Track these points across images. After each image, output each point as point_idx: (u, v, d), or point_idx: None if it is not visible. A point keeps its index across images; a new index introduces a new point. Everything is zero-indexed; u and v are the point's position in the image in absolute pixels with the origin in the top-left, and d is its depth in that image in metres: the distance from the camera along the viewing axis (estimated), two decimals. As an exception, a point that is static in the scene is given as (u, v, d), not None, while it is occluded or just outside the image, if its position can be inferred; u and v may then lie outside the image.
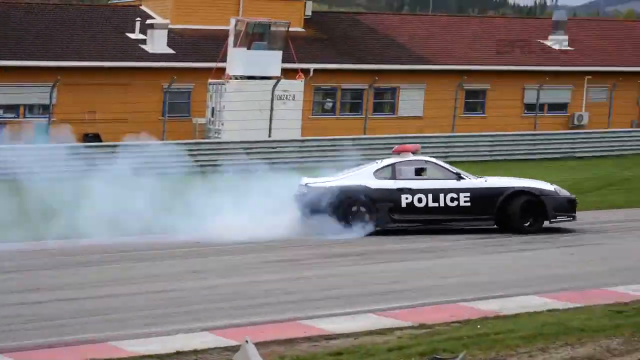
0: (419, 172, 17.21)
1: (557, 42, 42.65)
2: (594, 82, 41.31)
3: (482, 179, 17.21)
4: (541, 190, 16.86)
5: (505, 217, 16.73)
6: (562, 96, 41.17)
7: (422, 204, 16.77)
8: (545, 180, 17.88)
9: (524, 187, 16.96)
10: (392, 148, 18.46)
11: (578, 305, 10.26)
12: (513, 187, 16.87)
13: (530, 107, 40.16)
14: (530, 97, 40.08)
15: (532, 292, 11.12)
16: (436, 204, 16.77)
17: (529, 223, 16.69)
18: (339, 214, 16.62)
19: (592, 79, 41.32)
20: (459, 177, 16.97)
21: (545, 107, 40.81)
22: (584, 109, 41.17)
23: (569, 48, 42.61)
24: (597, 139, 35.48)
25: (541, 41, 42.95)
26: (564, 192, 17.11)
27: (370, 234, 16.41)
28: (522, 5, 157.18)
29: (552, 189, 16.97)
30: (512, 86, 40.04)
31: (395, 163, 17.18)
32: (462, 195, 16.75)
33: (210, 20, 37.22)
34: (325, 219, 16.52)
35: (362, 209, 16.73)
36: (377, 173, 17.06)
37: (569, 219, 16.92)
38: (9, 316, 10.13)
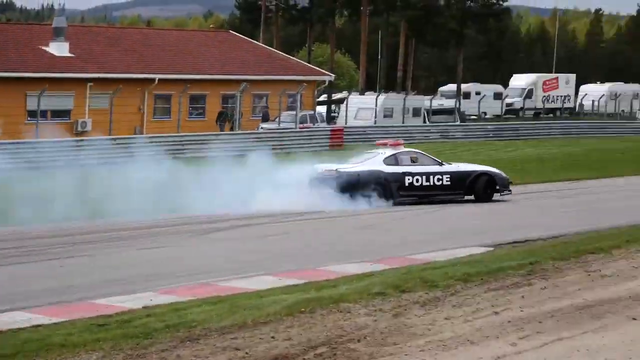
0: (414, 160, 23.28)
1: (58, 48, 42.56)
2: (96, 88, 41.76)
3: (455, 165, 24.01)
4: (494, 172, 23.61)
5: (473, 191, 23.26)
6: (64, 103, 41.12)
7: (419, 183, 22.92)
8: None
9: (483, 170, 23.73)
10: None
11: (62, 319, 10.12)
12: (477, 171, 23.69)
13: (33, 114, 39.47)
14: (32, 103, 39.38)
15: (20, 308, 10.86)
16: (428, 183, 23.02)
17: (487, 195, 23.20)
18: (363, 192, 22.10)
19: (94, 85, 41.75)
20: (440, 163, 23.41)
21: (49, 114, 40.46)
22: (87, 115, 41.45)
23: (70, 54, 42.68)
24: (99, 146, 35.61)
25: (43, 47, 42.59)
26: (504, 174, 23.79)
27: None
28: (29, 8, 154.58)
29: (498, 171, 23.75)
30: (13, 93, 39.22)
31: (396, 153, 23.25)
32: (444, 176, 23.04)
33: None
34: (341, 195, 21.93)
35: (379, 187, 22.39)
36: (385, 161, 23.00)
37: (509, 192, 23.44)
38: None
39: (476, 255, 14.35)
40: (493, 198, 23.24)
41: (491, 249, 15.16)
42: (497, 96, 63.11)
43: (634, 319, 9.24)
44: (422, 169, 22.97)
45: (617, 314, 9.45)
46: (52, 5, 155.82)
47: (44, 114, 39.64)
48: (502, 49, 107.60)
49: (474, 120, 58.54)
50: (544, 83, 67.05)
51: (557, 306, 9.95)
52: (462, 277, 11.72)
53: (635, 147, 46.01)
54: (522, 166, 34.80)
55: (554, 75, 70.87)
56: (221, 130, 42.92)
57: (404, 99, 51.48)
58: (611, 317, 9.36)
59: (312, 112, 48.04)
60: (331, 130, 43.98)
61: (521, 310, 9.86)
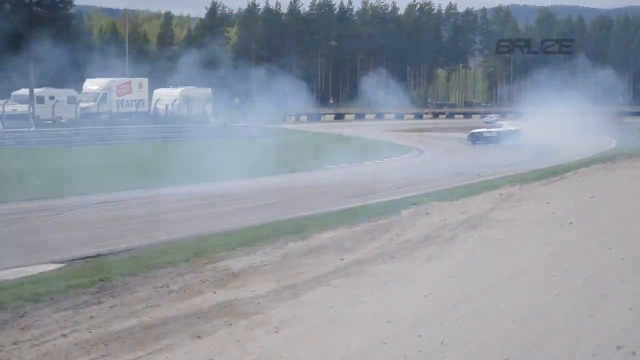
0: None
1: None
2: None
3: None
4: None
5: None
6: None
7: None
8: None
9: None
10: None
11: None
12: None
13: None
14: None
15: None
16: None
17: None
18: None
19: None
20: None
21: None
22: None
23: None
24: None
25: None
26: None
27: None
28: None
29: None
30: None
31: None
32: None
33: None
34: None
35: None
36: None
37: None
38: None
39: (47, 272, 13.97)
40: None
41: (63, 265, 14.84)
42: (72, 100, 62.36)
43: (199, 337, 9.55)
44: None
45: (182, 333, 9.70)
46: None
47: None
48: (75, 52, 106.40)
49: (49, 125, 57.52)
50: (118, 87, 67.23)
51: (124, 326, 10.02)
52: (31, 297, 11.41)
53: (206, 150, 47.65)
54: (99, 173, 34.58)
55: (127, 79, 71.11)
56: None
57: (-27, 105, 49.38)
58: (176, 335, 9.60)
59: None
60: None
61: (89, 332, 9.82)
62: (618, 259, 12.59)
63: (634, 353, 8.36)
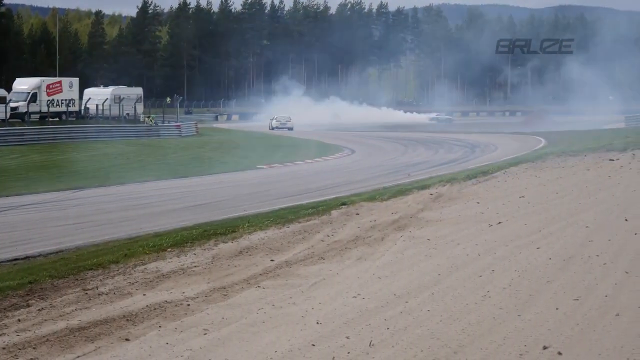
0: None
1: None
2: None
3: None
4: None
5: None
6: None
7: None
8: None
9: None
10: None
11: None
12: None
13: None
14: None
15: None
16: None
17: None
18: None
19: None
20: None
21: None
22: None
23: None
24: None
25: None
26: None
27: None
28: None
29: None
30: None
31: None
32: None
33: None
34: None
35: None
36: None
37: None
38: None
39: (-26, 276, 13.79)
40: None
41: (-10, 268, 14.65)
42: (2, 100, 61.58)
43: (127, 339, 9.50)
44: None
45: (110, 336, 9.64)
46: None
47: None
48: (6, 51, 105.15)
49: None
50: (48, 87, 66.59)
51: (53, 329, 9.92)
52: (-43, 300, 11.31)
53: (137, 150, 47.44)
54: (28, 174, 34.25)
55: (57, 78, 70.69)
56: None
57: None
58: (105, 339, 9.54)
59: None
60: None
61: (17, 335, 9.72)
62: (545, 258, 12.77)
63: (560, 353, 8.50)
